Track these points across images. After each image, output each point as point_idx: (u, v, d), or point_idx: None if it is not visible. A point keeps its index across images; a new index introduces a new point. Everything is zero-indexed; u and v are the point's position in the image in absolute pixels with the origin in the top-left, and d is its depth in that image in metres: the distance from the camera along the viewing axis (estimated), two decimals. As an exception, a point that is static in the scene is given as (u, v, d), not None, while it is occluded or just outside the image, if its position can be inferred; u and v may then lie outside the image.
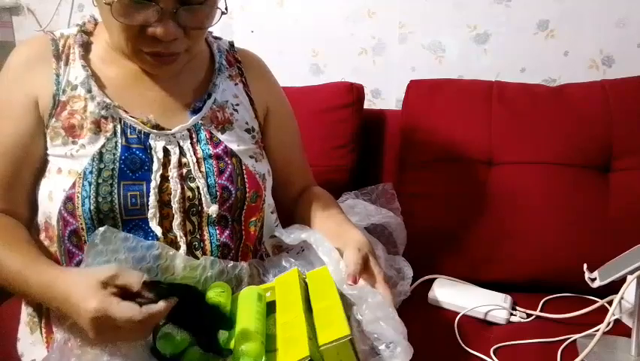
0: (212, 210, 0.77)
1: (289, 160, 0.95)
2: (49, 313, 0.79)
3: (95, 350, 0.63)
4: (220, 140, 0.81)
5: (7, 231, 0.74)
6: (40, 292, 0.66)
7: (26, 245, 0.72)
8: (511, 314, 1.00)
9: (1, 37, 1.78)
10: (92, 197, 0.71)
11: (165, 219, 0.75)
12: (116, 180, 0.73)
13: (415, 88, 1.28)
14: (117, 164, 0.73)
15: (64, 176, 0.73)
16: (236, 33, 1.57)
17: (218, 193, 0.78)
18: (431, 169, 1.19)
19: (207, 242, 0.78)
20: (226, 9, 0.74)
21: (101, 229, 0.69)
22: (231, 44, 0.92)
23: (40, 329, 0.80)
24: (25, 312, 0.82)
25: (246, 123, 0.86)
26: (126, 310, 0.59)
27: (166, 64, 0.75)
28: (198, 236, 0.77)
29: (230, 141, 0.82)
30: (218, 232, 0.79)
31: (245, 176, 0.82)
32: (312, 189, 0.97)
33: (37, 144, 0.76)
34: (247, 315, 0.67)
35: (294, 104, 0.99)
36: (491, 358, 0.88)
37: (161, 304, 0.60)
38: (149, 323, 0.61)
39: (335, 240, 0.79)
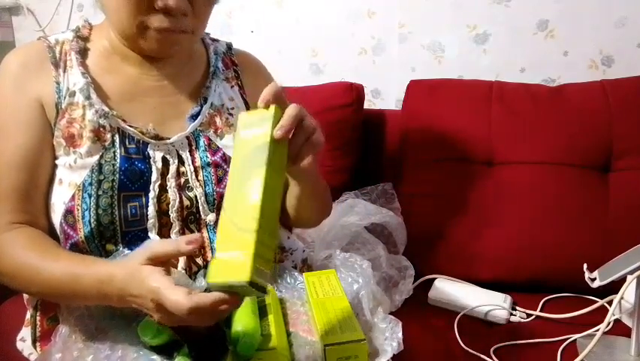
0: (210, 218, 0.78)
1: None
2: (43, 329, 0.79)
3: (97, 345, 0.64)
4: (219, 146, 0.81)
5: (40, 240, 0.71)
6: (97, 288, 0.63)
7: (64, 250, 0.71)
8: (511, 314, 1.00)
9: (1, 37, 1.78)
10: (92, 209, 0.71)
11: (164, 228, 0.75)
12: (116, 192, 0.72)
13: (415, 88, 1.28)
14: (117, 175, 0.72)
15: (64, 188, 0.73)
16: (236, 33, 1.57)
17: (216, 201, 0.78)
18: (431, 169, 1.19)
19: (208, 249, 0.78)
20: None
21: (126, 250, 0.70)
22: (229, 46, 0.92)
23: (35, 344, 0.80)
24: (29, 314, 0.82)
25: None
26: (175, 295, 0.56)
27: (173, 43, 0.74)
28: None
29: (228, 146, 0.82)
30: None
31: None
32: None
33: (48, 150, 0.74)
34: (245, 301, 0.69)
35: (294, 104, 0.98)
36: (491, 358, 0.88)
37: (212, 296, 0.55)
38: (201, 311, 0.55)
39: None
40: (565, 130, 1.14)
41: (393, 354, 0.68)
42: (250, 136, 0.59)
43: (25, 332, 0.82)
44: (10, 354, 0.83)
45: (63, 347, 0.65)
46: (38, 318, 0.79)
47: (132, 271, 0.61)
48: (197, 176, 0.78)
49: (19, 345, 0.82)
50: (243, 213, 0.54)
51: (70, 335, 0.66)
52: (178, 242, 0.61)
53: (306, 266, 0.95)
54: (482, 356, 0.89)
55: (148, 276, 0.59)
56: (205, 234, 0.78)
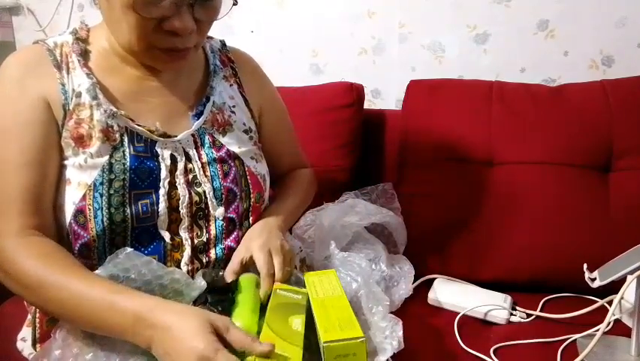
0: (219, 212, 0.79)
1: (281, 151, 0.99)
2: (42, 330, 0.78)
3: (97, 344, 0.64)
4: (222, 143, 0.83)
5: (68, 259, 0.68)
6: (130, 320, 0.61)
7: (88, 271, 0.67)
8: (511, 314, 1.00)
9: (1, 37, 1.78)
10: (104, 208, 0.71)
11: (173, 223, 0.76)
12: (127, 190, 0.73)
13: (415, 88, 1.28)
14: (127, 174, 0.73)
15: (73, 188, 0.72)
16: (236, 33, 1.57)
17: (223, 196, 0.80)
18: (431, 169, 1.19)
19: (212, 244, 0.79)
20: (236, 0, 0.74)
21: (128, 249, 0.68)
22: (223, 43, 0.93)
23: (35, 345, 0.79)
24: (30, 315, 0.82)
25: (244, 124, 0.87)
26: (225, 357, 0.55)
27: (178, 59, 0.75)
28: (205, 240, 0.78)
29: (231, 143, 0.83)
30: (224, 236, 0.80)
31: (248, 177, 0.83)
32: (290, 173, 1.01)
33: (55, 149, 0.73)
34: (245, 299, 0.71)
35: (294, 104, 0.99)
36: (491, 358, 0.88)
37: None
38: None
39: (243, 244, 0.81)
40: (565, 130, 1.14)
41: (394, 353, 0.68)
42: (287, 295, 0.73)
43: (27, 332, 0.82)
44: (10, 354, 0.83)
45: (63, 344, 0.65)
46: (38, 319, 0.79)
47: (183, 322, 0.58)
48: (204, 172, 0.79)
49: (20, 345, 0.82)
50: (290, 333, 0.64)
51: (70, 333, 0.66)
52: (255, 340, 0.59)
53: (306, 266, 0.95)
54: (482, 356, 0.89)
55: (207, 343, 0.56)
56: (212, 231, 0.79)
